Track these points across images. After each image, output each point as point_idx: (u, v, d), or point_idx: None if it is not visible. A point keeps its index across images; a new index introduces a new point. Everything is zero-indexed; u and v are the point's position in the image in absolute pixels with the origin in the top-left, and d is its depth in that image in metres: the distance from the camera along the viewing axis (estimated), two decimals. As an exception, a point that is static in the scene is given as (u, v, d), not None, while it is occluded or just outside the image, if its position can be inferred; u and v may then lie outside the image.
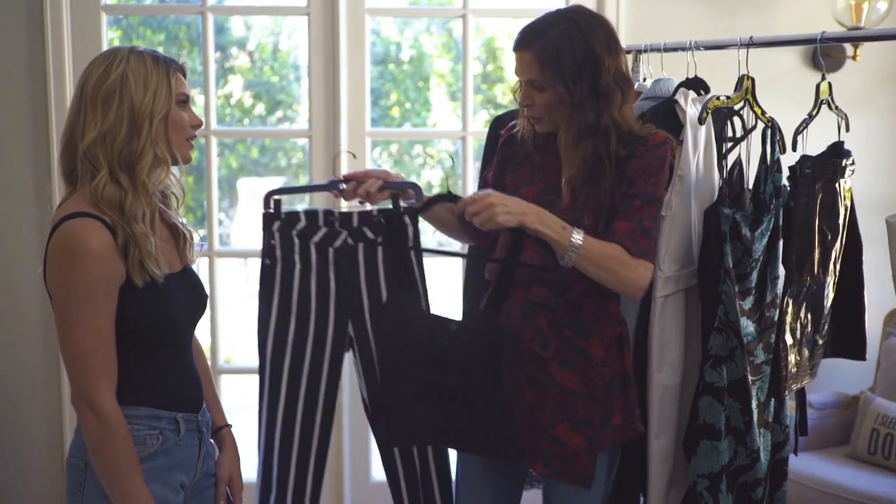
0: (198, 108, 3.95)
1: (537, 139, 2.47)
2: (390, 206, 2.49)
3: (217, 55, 9.30)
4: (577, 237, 2.27)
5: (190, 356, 2.28)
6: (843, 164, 2.47)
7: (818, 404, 4.00)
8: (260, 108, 9.49)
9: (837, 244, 2.45)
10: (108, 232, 2.01)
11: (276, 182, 9.32)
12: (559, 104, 2.34)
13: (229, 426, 2.43)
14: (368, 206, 2.52)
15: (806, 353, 2.52)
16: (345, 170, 3.49)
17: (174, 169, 2.20)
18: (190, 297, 2.23)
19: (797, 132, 2.62)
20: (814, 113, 2.63)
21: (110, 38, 9.12)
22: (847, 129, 2.69)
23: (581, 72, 2.30)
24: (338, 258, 2.50)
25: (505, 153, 2.57)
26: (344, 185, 2.51)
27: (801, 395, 2.85)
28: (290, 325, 2.51)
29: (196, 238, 2.29)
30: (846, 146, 2.66)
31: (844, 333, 2.65)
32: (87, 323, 1.99)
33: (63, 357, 2.04)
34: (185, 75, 2.18)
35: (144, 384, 2.13)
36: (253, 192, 9.54)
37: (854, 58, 3.91)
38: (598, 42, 2.31)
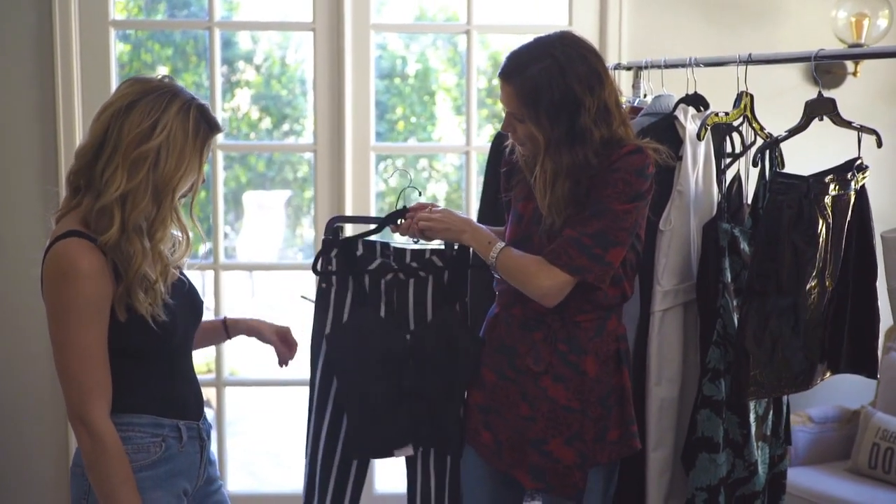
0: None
1: (528, 160, 2.47)
2: (442, 247, 2.62)
3: (224, 69, 9.37)
4: (494, 253, 2.40)
5: (190, 363, 2.31)
6: (826, 181, 2.47)
7: (819, 418, 4.01)
8: (267, 122, 9.55)
9: (821, 258, 2.46)
10: (99, 252, 2.04)
11: (282, 195, 9.38)
12: (536, 139, 2.35)
13: (226, 316, 2.55)
14: (421, 244, 2.60)
15: (790, 364, 2.52)
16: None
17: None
18: (186, 306, 2.26)
19: (764, 147, 2.63)
20: (794, 128, 2.62)
21: (119, 52, 9.18)
22: (877, 142, 2.62)
23: (558, 113, 2.30)
24: (389, 289, 2.60)
25: (507, 165, 2.61)
26: (401, 220, 2.57)
27: (786, 405, 2.83)
28: (343, 343, 2.60)
29: (197, 246, 2.32)
30: (858, 161, 2.62)
31: (857, 350, 2.65)
32: (78, 341, 2.03)
33: (57, 374, 2.07)
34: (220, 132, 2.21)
35: (146, 392, 2.16)
36: (259, 204, 9.60)
37: (854, 74, 3.94)
38: (579, 82, 2.29)
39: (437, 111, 9.71)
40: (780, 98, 3.86)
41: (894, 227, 2.36)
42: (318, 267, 2.61)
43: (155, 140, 2.04)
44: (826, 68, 4.02)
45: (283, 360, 2.55)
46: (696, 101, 2.82)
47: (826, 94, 2.62)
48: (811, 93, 2.58)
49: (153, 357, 2.17)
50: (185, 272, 2.33)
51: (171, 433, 2.19)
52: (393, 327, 2.58)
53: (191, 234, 2.25)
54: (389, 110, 9.59)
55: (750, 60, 2.68)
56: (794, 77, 4.02)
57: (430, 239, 2.52)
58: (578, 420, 2.41)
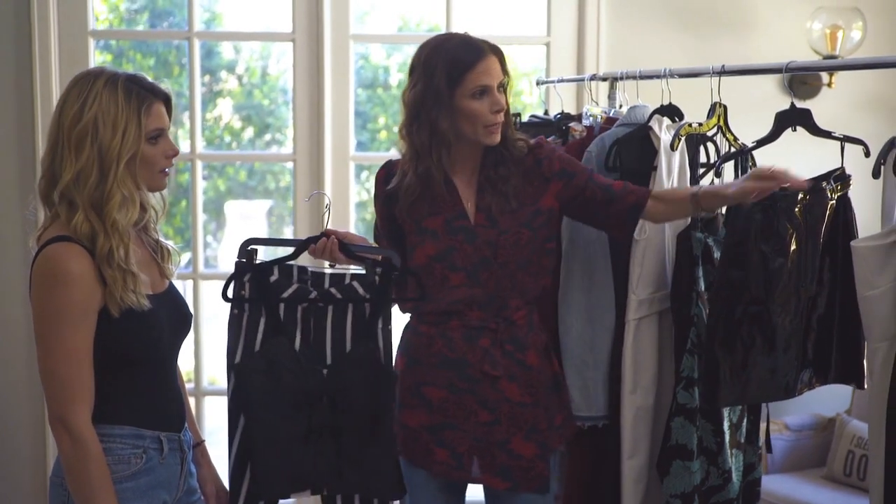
0: (185, 130, 4.00)
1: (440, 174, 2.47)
2: (362, 272, 2.46)
3: (207, 79, 9.37)
4: (694, 190, 2.51)
5: (173, 375, 2.31)
6: (794, 193, 2.50)
7: (795, 426, 4.05)
8: (249, 132, 9.53)
9: (794, 267, 2.48)
10: (89, 256, 2.06)
11: (263, 205, 9.37)
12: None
13: (203, 441, 2.47)
14: (337, 269, 2.50)
15: (768, 372, 2.54)
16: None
17: None
18: (174, 317, 2.26)
19: (728, 157, 2.67)
20: (764, 138, 2.64)
21: (100, 61, 9.15)
22: (865, 151, 2.62)
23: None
24: (306, 317, 2.43)
25: (386, 194, 2.56)
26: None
27: (766, 413, 2.85)
28: (251, 375, 2.43)
29: (176, 258, 2.33)
30: (838, 171, 2.63)
31: (846, 360, 2.66)
32: (64, 344, 2.03)
33: (40, 376, 2.08)
34: (168, 103, 2.21)
35: (128, 404, 2.16)
36: (241, 214, 9.58)
37: (829, 85, 3.98)
38: None
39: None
40: (757, 109, 3.89)
41: (865, 237, 2.37)
42: (230, 293, 2.44)
43: (88, 115, 2.08)
44: (802, 79, 4.06)
45: None
46: (671, 111, 2.84)
47: (802, 104, 2.64)
48: (787, 104, 2.61)
49: (140, 365, 2.17)
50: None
51: (152, 445, 2.19)
52: (308, 363, 2.40)
53: (157, 208, 2.27)
54: (372, 120, 9.59)
55: (723, 72, 2.70)
56: (770, 88, 4.06)
57: (345, 262, 2.46)
58: (532, 413, 2.49)
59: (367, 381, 2.38)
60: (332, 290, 2.43)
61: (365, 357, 2.40)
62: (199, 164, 3.96)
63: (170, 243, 2.31)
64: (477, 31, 2.53)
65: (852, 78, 4.03)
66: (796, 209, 2.46)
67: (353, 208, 3.99)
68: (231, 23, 8.77)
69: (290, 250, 2.49)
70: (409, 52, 9.34)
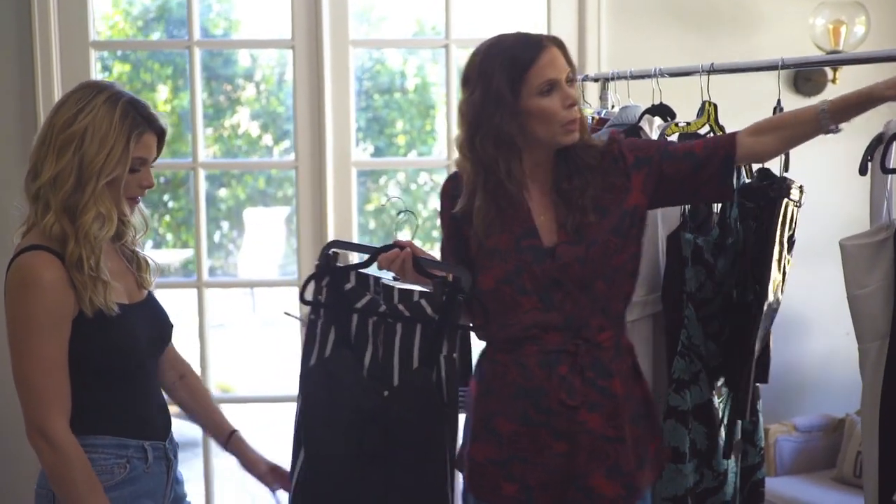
0: (208, 140, 4.00)
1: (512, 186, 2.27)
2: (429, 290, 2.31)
3: (227, 87, 9.42)
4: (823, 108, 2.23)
5: (156, 384, 2.32)
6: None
7: (804, 427, 3.99)
8: (268, 139, 9.59)
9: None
10: (60, 263, 2.07)
11: (282, 212, 9.41)
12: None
13: (236, 430, 2.46)
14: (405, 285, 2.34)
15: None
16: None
17: (141, 204, 2.28)
18: (151, 327, 2.27)
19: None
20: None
21: (119, 71, 9.20)
22: None
23: None
24: (376, 331, 2.30)
25: (458, 216, 2.35)
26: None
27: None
28: (313, 387, 2.36)
29: (153, 264, 2.34)
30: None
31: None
32: (38, 352, 2.05)
33: (16, 386, 2.09)
34: (161, 135, 2.22)
35: (109, 413, 2.17)
36: (259, 221, 9.64)
37: (833, 81, 3.93)
38: None
39: (436, 125, 9.74)
40: (762, 106, 3.86)
41: (854, 235, 2.34)
42: (307, 295, 2.36)
43: (79, 123, 2.10)
44: (806, 76, 4.02)
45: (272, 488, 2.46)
46: (662, 111, 2.83)
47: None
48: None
49: (118, 374, 2.18)
50: (158, 294, 2.37)
51: (136, 454, 2.20)
52: (371, 382, 2.27)
53: (138, 227, 2.30)
54: (389, 125, 9.62)
55: (712, 70, 2.69)
56: (774, 86, 4.00)
57: (412, 279, 2.28)
58: (615, 448, 2.26)
59: (423, 412, 2.24)
60: (401, 306, 2.29)
61: (423, 385, 2.25)
62: (201, 173, 3.97)
63: (148, 255, 2.33)
64: (476, 33, 2.50)
65: (856, 73, 3.98)
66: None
67: (355, 214, 3.98)
68: (249, 31, 8.85)
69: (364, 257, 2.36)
70: (423, 56, 9.42)
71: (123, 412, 2.20)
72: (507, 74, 2.18)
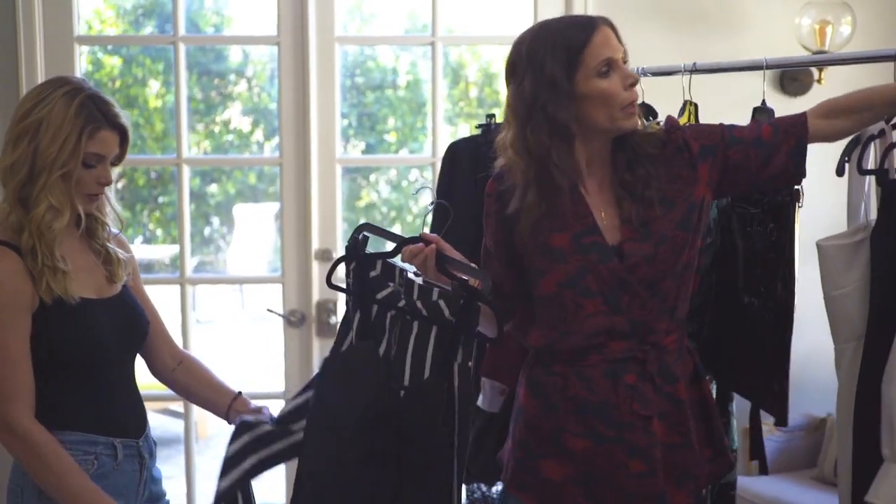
0: (199, 135, 3.99)
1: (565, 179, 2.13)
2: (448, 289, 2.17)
3: (217, 82, 9.41)
4: None
5: (129, 381, 2.32)
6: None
7: (786, 427, 4.00)
8: (259, 135, 9.58)
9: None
10: (15, 254, 2.08)
11: (272, 208, 9.39)
12: None
13: (240, 393, 2.41)
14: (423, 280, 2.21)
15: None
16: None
17: (113, 201, 2.28)
18: (120, 322, 2.26)
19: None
20: None
21: (111, 66, 9.16)
22: None
23: None
24: (393, 326, 2.18)
25: (506, 218, 2.21)
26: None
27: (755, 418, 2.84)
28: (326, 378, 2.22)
29: (126, 265, 2.33)
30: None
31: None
32: None
33: None
34: (124, 133, 2.21)
35: (77, 410, 2.17)
36: (248, 218, 9.62)
37: (819, 81, 3.94)
38: None
39: (427, 122, 9.73)
40: (747, 106, 3.86)
41: (831, 236, 2.35)
42: (334, 280, 2.31)
43: (35, 115, 2.12)
44: (793, 76, 4.02)
45: None
46: (645, 111, 2.82)
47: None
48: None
49: (85, 369, 2.18)
50: (141, 292, 2.40)
51: (105, 451, 2.20)
52: (388, 378, 2.14)
53: (111, 222, 2.31)
54: (381, 122, 9.61)
55: (694, 70, 2.70)
56: (761, 86, 4.00)
57: (433, 277, 2.15)
58: (681, 455, 2.17)
59: (433, 420, 2.08)
60: (419, 303, 2.15)
61: (434, 392, 2.10)
62: (185, 170, 3.96)
63: (120, 252, 2.32)
64: (463, 31, 2.49)
65: (842, 73, 3.98)
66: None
67: (339, 210, 3.97)
68: (240, 27, 8.84)
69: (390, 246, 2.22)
70: (415, 52, 9.40)
71: (91, 408, 2.20)
72: (560, 58, 2.05)
